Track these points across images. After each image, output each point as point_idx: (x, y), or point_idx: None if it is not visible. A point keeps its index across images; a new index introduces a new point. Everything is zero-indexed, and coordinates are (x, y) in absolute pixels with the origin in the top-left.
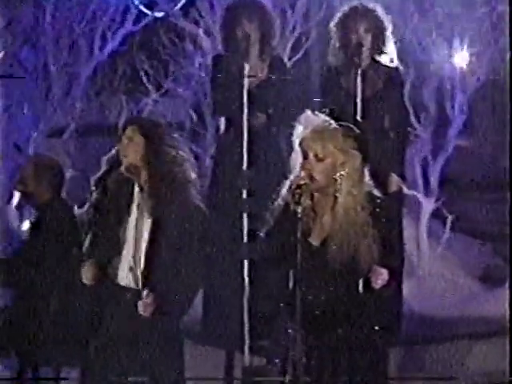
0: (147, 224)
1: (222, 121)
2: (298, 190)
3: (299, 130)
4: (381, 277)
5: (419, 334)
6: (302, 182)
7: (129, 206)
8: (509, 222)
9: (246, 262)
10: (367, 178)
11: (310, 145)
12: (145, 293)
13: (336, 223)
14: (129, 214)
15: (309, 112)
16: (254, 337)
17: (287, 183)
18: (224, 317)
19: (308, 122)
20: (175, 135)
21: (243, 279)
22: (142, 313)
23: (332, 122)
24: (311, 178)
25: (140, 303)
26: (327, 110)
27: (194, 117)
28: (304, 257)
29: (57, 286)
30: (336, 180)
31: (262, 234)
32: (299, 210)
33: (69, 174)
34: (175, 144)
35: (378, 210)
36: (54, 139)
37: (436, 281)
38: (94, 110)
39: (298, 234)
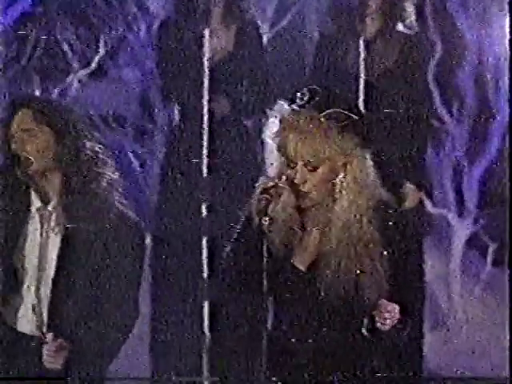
0: (55, 245)
1: (175, 110)
2: (265, 195)
3: (274, 128)
4: (389, 314)
5: None
6: (269, 185)
7: (26, 222)
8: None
9: (206, 304)
10: (377, 180)
11: (297, 151)
12: (49, 336)
13: (331, 240)
14: (27, 234)
15: (283, 103)
16: None
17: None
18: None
19: (284, 117)
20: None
21: (202, 326)
22: (47, 364)
23: (318, 115)
24: (301, 194)
25: (44, 351)
26: (306, 93)
27: (137, 106)
28: (285, 286)
29: None
30: (335, 186)
31: (224, 254)
32: (266, 222)
33: None
34: (93, 134)
35: (390, 223)
36: None
37: (473, 332)
38: None
39: (265, 256)
